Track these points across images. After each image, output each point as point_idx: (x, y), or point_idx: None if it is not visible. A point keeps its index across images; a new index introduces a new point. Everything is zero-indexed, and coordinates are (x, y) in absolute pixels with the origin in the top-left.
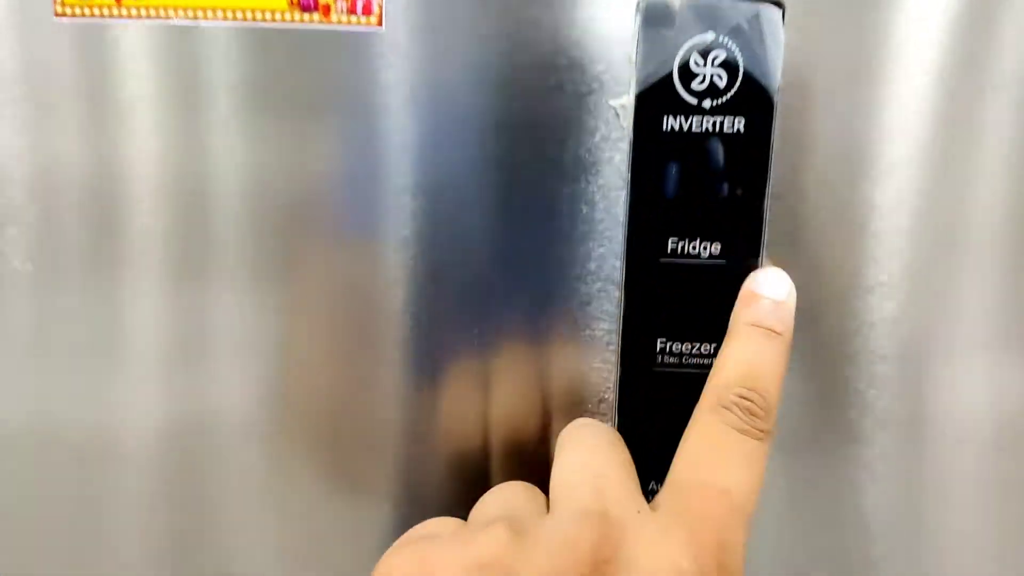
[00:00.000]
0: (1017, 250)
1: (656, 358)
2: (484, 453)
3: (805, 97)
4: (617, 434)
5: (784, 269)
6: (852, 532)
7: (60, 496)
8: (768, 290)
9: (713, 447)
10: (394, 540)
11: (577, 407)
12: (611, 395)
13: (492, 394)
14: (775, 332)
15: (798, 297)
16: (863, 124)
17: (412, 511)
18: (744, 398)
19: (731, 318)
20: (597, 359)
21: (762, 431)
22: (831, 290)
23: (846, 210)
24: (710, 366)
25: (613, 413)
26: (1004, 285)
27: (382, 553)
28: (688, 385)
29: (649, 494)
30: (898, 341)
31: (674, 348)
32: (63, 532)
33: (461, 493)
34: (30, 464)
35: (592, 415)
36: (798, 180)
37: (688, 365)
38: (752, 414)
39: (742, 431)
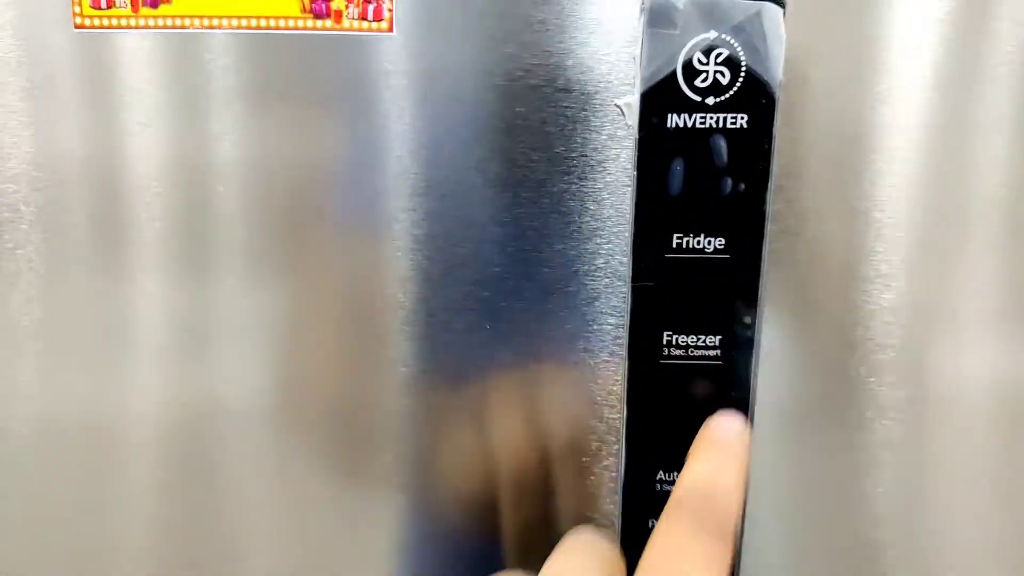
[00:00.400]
0: (1017, 236)
1: (663, 351)
2: (491, 443)
3: (806, 90)
4: (614, 549)
5: (784, 261)
6: (857, 518)
7: (66, 486)
8: (724, 429)
9: (675, 551)
10: (400, 530)
11: (586, 400)
12: (619, 387)
13: (500, 387)
14: (734, 451)
15: (801, 287)
16: (863, 116)
17: (419, 501)
18: (705, 501)
19: (692, 444)
20: (605, 352)
21: (725, 533)
22: (832, 280)
23: (846, 201)
24: (715, 358)
25: (622, 405)
26: (1004, 271)
27: (388, 542)
28: (694, 376)
29: (658, 483)
30: (900, 328)
31: (680, 341)
32: (69, 523)
33: (468, 482)
34: (36, 455)
35: (601, 407)
36: (799, 173)
37: (694, 357)
38: (712, 518)
39: (705, 533)
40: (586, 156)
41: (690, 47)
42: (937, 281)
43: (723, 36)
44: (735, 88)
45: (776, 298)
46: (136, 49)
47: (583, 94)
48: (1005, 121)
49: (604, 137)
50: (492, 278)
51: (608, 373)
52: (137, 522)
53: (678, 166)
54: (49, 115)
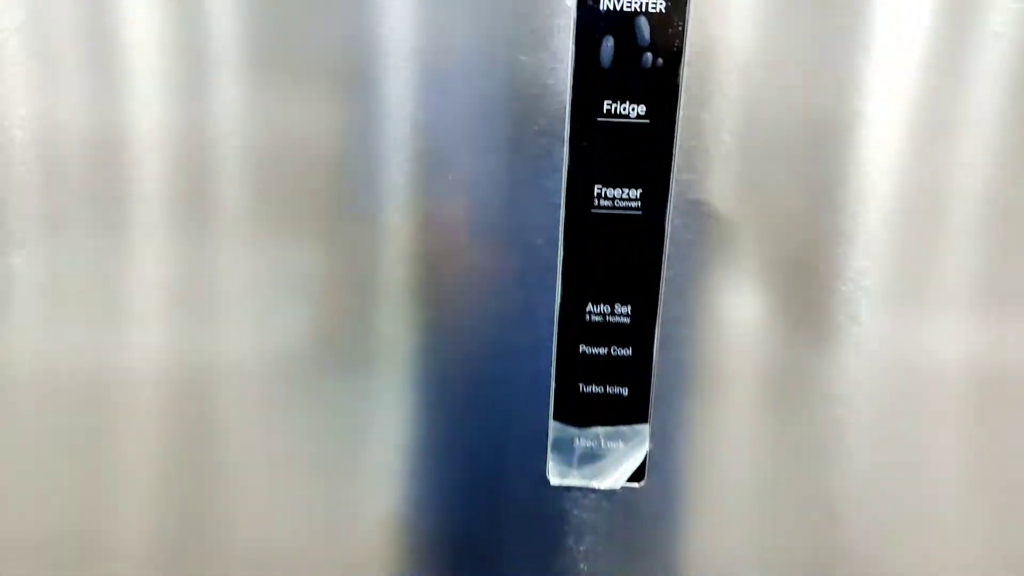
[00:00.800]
0: (996, 210)
1: (593, 202)
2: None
3: (787, 72)
4: None
5: (764, 221)
6: (833, 484)
7: (70, 438)
8: None
9: None
10: (397, 480)
11: (529, 244)
12: (558, 234)
13: (463, 238)
14: None
15: (779, 255)
16: (845, 81)
17: (416, 449)
18: None
19: None
20: (546, 203)
21: None
22: (810, 247)
23: (826, 170)
24: (636, 208)
25: (558, 248)
26: (983, 244)
27: (383, 497)
28: (619, 224)
29: (587, 314)
30: (870, 308)
31: (608, 193)
32: (70, 474)
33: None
34: (41, 408)
35: (541, 249)
36: (780, 137)
37: (619, 208)
38: None
39: None
40: (534, 31)
41: None
42: (916, 249)
43: None
44: None
45: (748, 276)
46: (138, 12)
47: None
48: (987, 107)
49: (548, 15)
50: (451, 137)
51: (548, 221)
52: (136, 476)
53: (608, 43)
54: (52, 77)
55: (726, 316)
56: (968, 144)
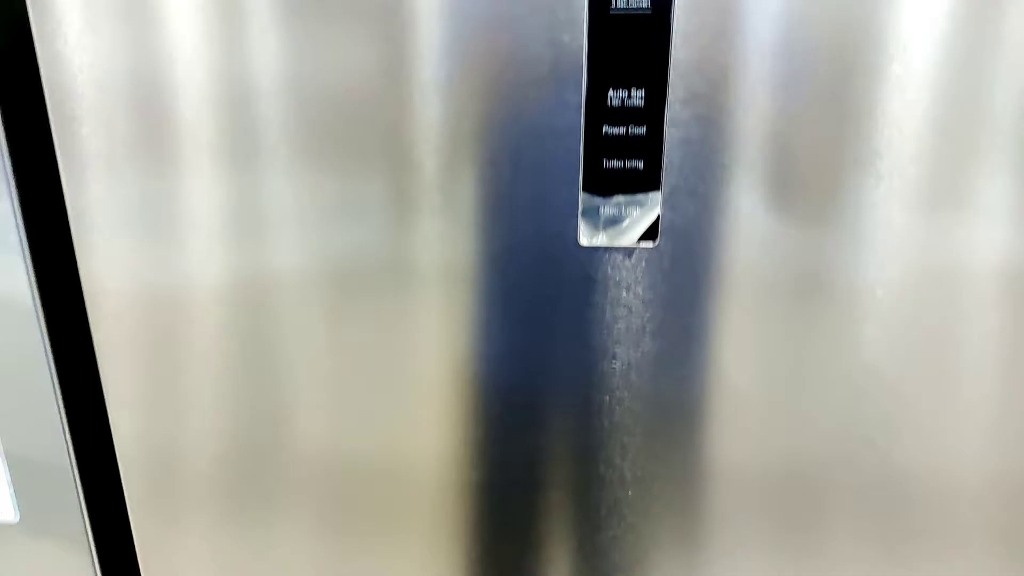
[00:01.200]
0: None
1: (611, 3)
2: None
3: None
4: None
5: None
6: (860, 384)
7: (146, 347)
8: None
9: None
10: (440, 392)
11: (559, 42)
12: (583, 37)
13: (500, 90)
14: None
15: (816, 156)
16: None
17: (472, 219)
18: None
19: None
20: (572, 6)
21: None
22: (845, 146)
23: (863, 78)
24: (647, 8)
25: (584, 44)
26: (1015, 148)
27: (429, 404)
28: (633, 23)
29: (608, 99)
30: (911, 201)
31: None
32: (149, 382)
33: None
34: (117, 319)
35: (568, 44)
36: (809, 74)
37: (631, 8)
38: None
39: None
40: None
41: None
42: (951, 157)
43: None
44: None
45: (771, 178)
46: None
47: None
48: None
49: None
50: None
51: (574, 21)
52: (207, 382)
53: None
54: (105, 30)
55: (727, 95)
56: (1003, 55)
